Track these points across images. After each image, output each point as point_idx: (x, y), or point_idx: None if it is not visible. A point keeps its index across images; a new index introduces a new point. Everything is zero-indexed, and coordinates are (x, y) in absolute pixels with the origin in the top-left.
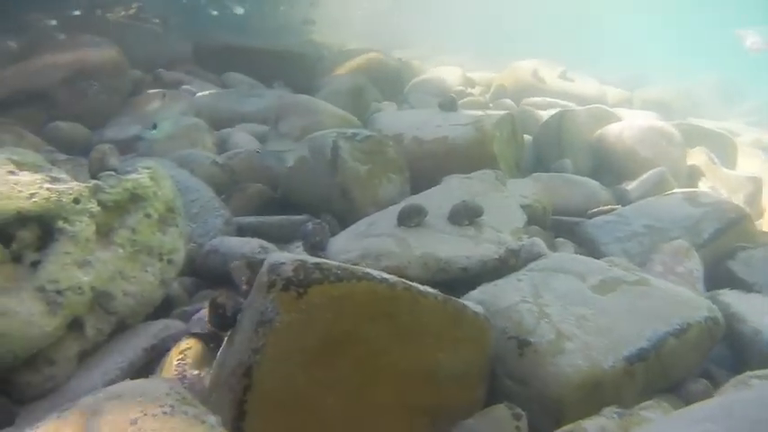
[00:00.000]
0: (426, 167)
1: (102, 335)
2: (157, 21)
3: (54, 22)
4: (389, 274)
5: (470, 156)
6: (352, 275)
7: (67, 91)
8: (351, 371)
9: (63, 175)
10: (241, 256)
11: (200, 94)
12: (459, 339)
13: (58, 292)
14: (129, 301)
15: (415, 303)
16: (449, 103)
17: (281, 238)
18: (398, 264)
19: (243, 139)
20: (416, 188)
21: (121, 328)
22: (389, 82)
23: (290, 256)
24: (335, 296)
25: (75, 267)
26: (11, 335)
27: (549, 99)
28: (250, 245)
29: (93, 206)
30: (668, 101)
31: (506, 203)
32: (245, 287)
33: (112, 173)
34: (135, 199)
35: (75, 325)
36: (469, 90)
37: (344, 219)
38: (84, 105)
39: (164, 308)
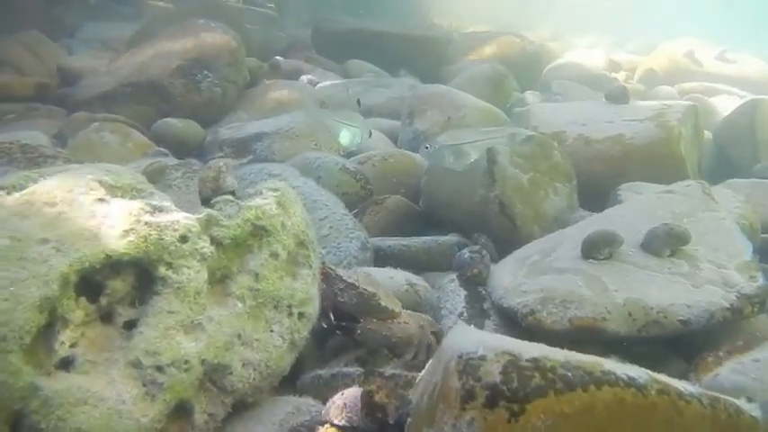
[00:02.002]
0: (596, 173)
1: (214, 421)
2: (272, 4)
3: (170, 6)
4: (579, 325)
5: (652, 158)
6: (589, 379)
7: (180, 82)
8: None
9: (166, 203)
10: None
11: (321, 84)
12: None
13: (159, 369)
14: (250, 374)
15: (676, 413)
16: (618, 94)
17: (428, 265)
18: (594, 314)
19: (380, 138)
20: (584, 199)
21: (239, 407)
22: (525, 68)
23: (489, 342)
24: (567, 414)
25: (182, 332)
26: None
27: (707, 84)
28: (395, 281)
29: (206, 245)
30: None
31: (723, 227)
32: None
33: (230, 197)
34: (258, 233)
35: (179, 411)
36: (613, 75)
37: (502, 239)
38: (198, 99)
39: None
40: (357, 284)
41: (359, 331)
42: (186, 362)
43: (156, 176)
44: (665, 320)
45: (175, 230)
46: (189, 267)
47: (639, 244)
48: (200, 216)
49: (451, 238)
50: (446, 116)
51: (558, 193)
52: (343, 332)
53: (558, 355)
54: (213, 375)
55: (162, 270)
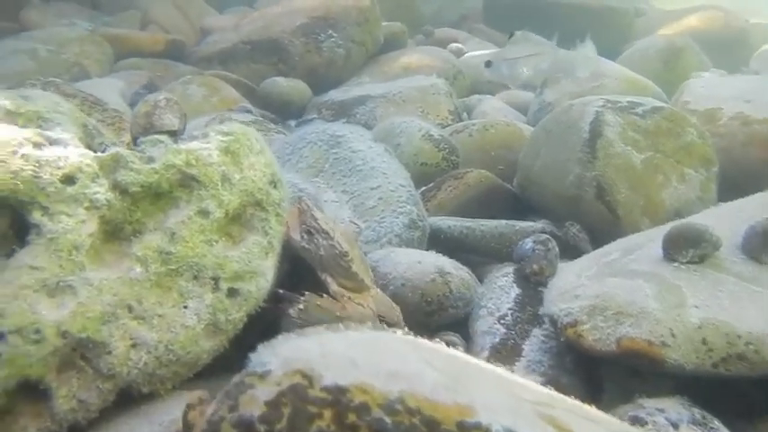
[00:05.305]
0: (753, 161)
1: (86, 410)
2: None
3: None
4: (629, 349)
5: None
6: None
7: (300, 41)
8: None
9: (67, 136)
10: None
11: (470, 53)
12: None
13: None
14: (141, 358)
15: None
16: None
17: (500, 255)
18: (652, 336)
19: (494, 107)
20: (731, 192)
21: (133, 398)
22: (730, 48)
23: (309, 353)
24: None
25: (43, 294)
26: None
27: None
28: (422, 266)
29: (101, 191)
30: None
31: None
32: None
33: (161, 138)
34: (188, 184)
35: (30, 392)
36: None
37: (600, 232)
38: (318, 59)
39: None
40: (332, 234)
41: (301, 306)
42: (37, 331)
43: None
44: (755, 356)
45: (59, 168)
46: (70, 215)
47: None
48: (103, 155)
49: (536, 224)
50: (580, 86)
51: (685, 180)
52: (278, 303)
53: (394, 385)
54: (86, 353)
55: (37, 215)
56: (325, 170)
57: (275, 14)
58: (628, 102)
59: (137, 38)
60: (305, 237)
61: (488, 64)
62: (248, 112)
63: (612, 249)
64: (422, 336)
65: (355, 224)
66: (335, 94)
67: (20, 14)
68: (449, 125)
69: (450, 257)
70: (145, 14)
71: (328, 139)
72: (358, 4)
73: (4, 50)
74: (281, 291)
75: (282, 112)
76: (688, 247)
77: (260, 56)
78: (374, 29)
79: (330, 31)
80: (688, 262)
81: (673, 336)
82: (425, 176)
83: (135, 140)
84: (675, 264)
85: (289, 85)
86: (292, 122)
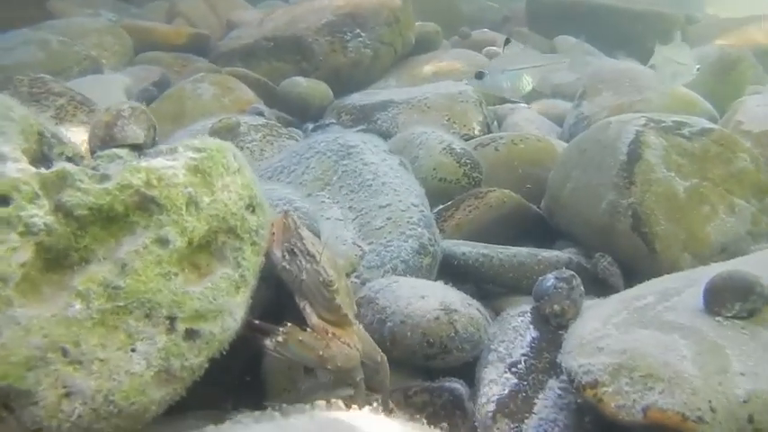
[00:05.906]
0: None
1: None
2: None
3: None
4: (658, 422)
5: None
6: None
7: (326, 40)
8: None
9: (5, 148)
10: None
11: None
12: None
13: None
14: (74, 409)
15: None
16: None
17: (519, 287)
18: (686, 408)
19: (526, 118)
20: None
21: None
22: None
23: None
24: None
25: None
26: None
27: None
28: (426, 302)
29: (39, 213)
30: None
31: None
32: None
33: (121, 152)
34: (147, 207)
35: None
36: None
37: (635, 266)
38: (343, 59)
39: None
40: (318, 258)
41: (280, 339)
42: None
43: (224, 135)
44: None
45: None
46: (1, 242)
47: None
48: (46, 172)
49: (562, 254)
50: (620, 99)
51: (735, 211)
52: (253, 333)
53: None
54: (8, 403)
55: None
56: (332, 183)
57: (301, 11)
58: (673, 121)
59: (159, 30)
60: (286, 256)
61: (480, 75)
62: (260, 114)
63: (646, 292)
64: (422, 379)
65: (359, 246)
66: (357, 98)
67: (46, 4)
68: (476, 136)
69: (464, 287)
70: (172, 6)
71: (338, 149)
72: (389, 4)
73: (15, 41)
74: (256, 321)
75: (301, 114)
76: (734, 300)
77: (282, 53)
78: (405, 30)
79: (358, 31)
80: (734, 317)
81: (712, 410)
82: (444, 193)
83: (92, 154)
84: (719, 318)
85: (309, 86)
86: (310, 125)
